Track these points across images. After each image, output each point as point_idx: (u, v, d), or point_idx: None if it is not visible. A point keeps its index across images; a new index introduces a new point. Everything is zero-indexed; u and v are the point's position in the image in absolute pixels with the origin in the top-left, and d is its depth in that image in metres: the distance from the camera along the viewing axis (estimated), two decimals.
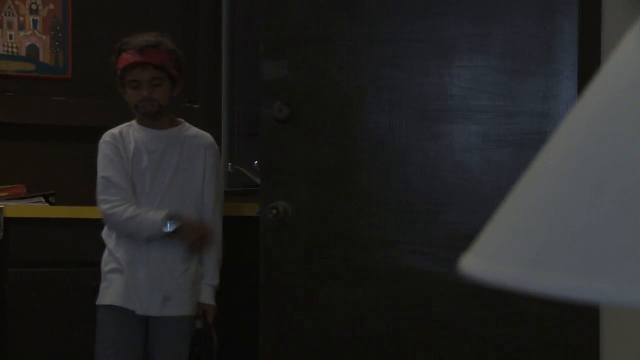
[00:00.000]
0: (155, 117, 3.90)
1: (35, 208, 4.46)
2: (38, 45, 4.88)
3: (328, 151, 3.35)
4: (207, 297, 3.82)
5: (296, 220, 3.34)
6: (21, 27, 4.91)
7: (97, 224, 4.45)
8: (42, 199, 4.68)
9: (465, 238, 3.12)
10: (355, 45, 3.36)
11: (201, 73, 5.20)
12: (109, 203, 3.79)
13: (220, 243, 3.86)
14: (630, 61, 0.70)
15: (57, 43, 4.94)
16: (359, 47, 3.36)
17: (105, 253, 3.87)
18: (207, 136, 4.04)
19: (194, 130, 4.04)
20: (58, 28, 4.92)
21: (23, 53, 4.88)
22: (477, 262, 0.74)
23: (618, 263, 0.64)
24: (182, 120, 4.08)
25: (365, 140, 3.33)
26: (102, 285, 3.83)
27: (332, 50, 3.39)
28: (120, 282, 3.72)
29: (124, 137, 3.85)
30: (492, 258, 0.73)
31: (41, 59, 4.96)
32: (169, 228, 3.66)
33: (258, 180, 4.57)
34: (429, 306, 3.30)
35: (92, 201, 4.33)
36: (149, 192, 3.78)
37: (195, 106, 5.17)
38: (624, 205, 0.65)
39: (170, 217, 3.68)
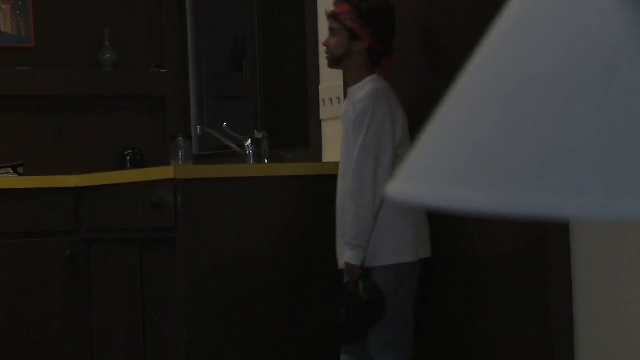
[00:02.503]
0: (337, 68, 3.68)
1: (4, 179, 4.45)
2: None
3: None
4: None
5: None
6: None
7: (66, 193, 4.43)
8: (10, 170, 4.66)
9: None
10: None
11: (167, 37, 5.18)
12: None
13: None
14: None
15: (17, 12, 4.90)
16: None
17: None
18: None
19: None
20: None
21: None
22: (402, 186, 0.74)
23: (533, 175, 0.64)
24: (370, 77, 3.63)
25: None
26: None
27: None
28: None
29: None
30: (415, 180, 0.73)
31: (2, 28, 4.92)
32: None
33: (228, 143, 4.56)
34: None
35: (61, 170, 4.30)
36: None
37: (162, 70, 5.15)
38: (534, 118, 0.65)
39: None
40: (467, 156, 0.67)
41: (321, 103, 4.31)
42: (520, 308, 3.44)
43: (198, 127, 4.88)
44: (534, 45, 0.65)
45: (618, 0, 0.63)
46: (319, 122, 4.35)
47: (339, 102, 4.20)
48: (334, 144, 4.25)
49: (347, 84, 3.76)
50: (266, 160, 4.37)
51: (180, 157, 4.45)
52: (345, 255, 3.56)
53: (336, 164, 4.11)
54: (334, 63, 3.69)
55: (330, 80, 4.26)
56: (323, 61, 4.34)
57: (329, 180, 4.01)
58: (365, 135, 3.54)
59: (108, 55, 5.13)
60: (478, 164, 0.66)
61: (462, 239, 3.64)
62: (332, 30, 3.66)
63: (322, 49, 4.28)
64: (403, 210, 3.55)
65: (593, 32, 0.64)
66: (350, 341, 3.61)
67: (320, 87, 4.32)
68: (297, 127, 4.54)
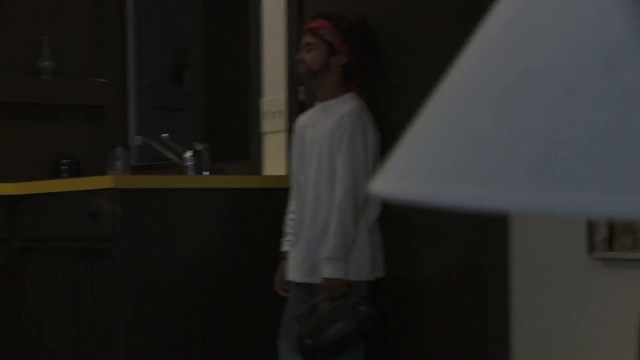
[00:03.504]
0: (312, 83, 3.63)
1: None
2: None
3: None
4: None
5: None
6: None
7: (1, 202, 4.35)
8: None
9: None
10: None
11: (107, 46, 5.13)
12: None
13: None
14: None
15: None
16: None
17: None
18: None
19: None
20: None
21: None
22: (388, 181, 0.73)
23: (531, 170, 0.63)
24: (349, 94, 3.64)
25: None
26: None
27: None
28: None
29: None
30: (403, 176, 0.72)
31: None
32: None
33: (167, 154, 4.52)
34: None
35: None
36: None
37: (101, 80, 5.10)
38: (532, 114, 0.64)
39: None
40: (461, 151, 0.66)
41: (263, 116, 4.29)
42: (460, 325, 3.45)
43: (137, 137, 4.83)
44: (532, 38, 0.65)
45: None
46: (260, 135, 4.33)
47: (281, 116, 4.19)
48: (275, 157, 4.23)
49: (318, 98, 3.74)
50: (206, 173, 4.34)
51: (119, 167, 4.41)
52: (326, 270, 3.51)
53: (277, 177, 4.10)
54: (310, 77, 3.68)
55: (272, 93, 4.25)
56: (266, 74, 4.33)
57: (269, 193, 3.99)
58: (354, 150, 3.54)
59: (47, 63, 5.07)
60: (474, 159, 0.65)
61: (407, 260, 3.64)
62: (309, 45, 3.67)
63: (267, 62, 4.27)
64: (364, 228, 3.56)
65: (592, 27, 0.64)
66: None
67: (263, 100, 4.30)
68: (238, 140, 4.52)
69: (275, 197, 3.93)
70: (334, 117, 3.60)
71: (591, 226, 3.02)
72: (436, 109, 0.73)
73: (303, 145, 3.72)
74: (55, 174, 4.95)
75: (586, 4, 0.64)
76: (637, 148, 0.62)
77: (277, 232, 3.80)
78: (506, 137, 0.64)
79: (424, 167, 0.70)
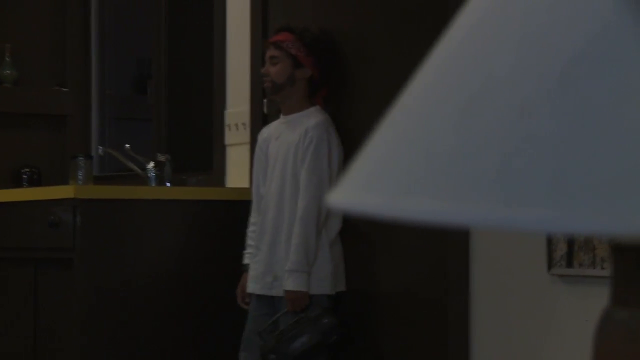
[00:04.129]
0: (276, 97, 3.61)
1: None
2: None
3: None
4: None
5: None
6: None
7: None
8: None
9: None
10: None
11: (70, 55, 5.11)
12: None
13: None
14: None
15: None
16: None
17: None
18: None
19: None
20: None
21: None
22: (346, 194, 0.73)
23: (487, 185, 0.64)
24: (314, 107, 3.66)
25: None
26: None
27: None
28: None
29: None
30: (359, 189, 0.72)
31: None
32: None
33: (129, 164, 4.50)
34: None
35: None
36: None
37: (64, 89, 5.07)
38: (490, 127, 0.64)
39: None
40: (419, 165, 0.67)
41: (226, 128, 4.29)
42: (421, 336, 3.46)
43: (99, 147, 4.81)
44: (492, 51, 0.65)
45: (578, 10, 0.63)
46: (223, 147, 4.32)
47: (245, 128, 4.18)
48: (238, 169, 4.23)
49: (282, 111, 3.73)
50: (168, 184, 4.33)
51: (80, 177, 4.38)
52: (289, 283, 3.50)
53: (239, 189, 4.09)
54: (274, 90, 3.67)
55: (236, 106, 4.25)
56: (230, 86, 4.33)
57: (231, 205, 3.99)
58: (318, 163, 3.54)
59: (8, 72, 5.03)
60: (432, 173, 0.66)
61: (368, 273, 3.65)
62: (272, 58, 3.66)
63: (231, 74, 4.26)
64: (325, 242, 3.56)
65: (551, 39, 0.64)
66: None
67: (226, 112, 4.30)
68: (201, 152, 4.51)
69: (238, 209, 3.92)
70: (298, 130, 3.61)
71: (551, 243, 3.04)
72: (395, 121, 0.73)
73: (266, 157, 3.72)
74: (16, 183, 4.92)
75: (544, 17, 0.65)
76: (591, 164, 0.62)
77: (239, 244, 3.80)
78: (464, 151, 0.65)
79: (382, 181, 0.70)
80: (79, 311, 3.74)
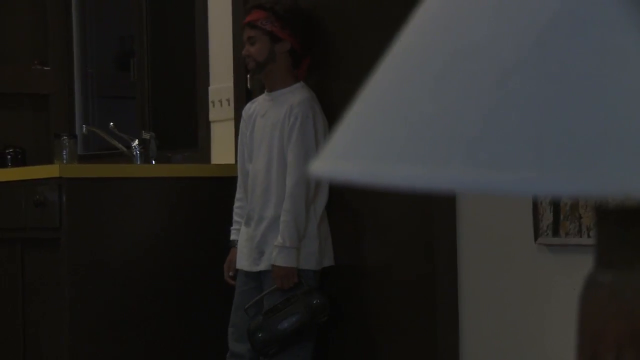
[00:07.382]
0: (260, 76, 3.60)
1: None
2: None
3: None
4: None
5: None
6: None
7: None
8: None
9: None
10: None
11: (51, 33, 5.07)
12: None
13: None
14: None
15: None
16: None
17: None
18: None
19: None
20: None
21: None
22: (327, 163, 0.72)
23: (467, 150, 0.63)
24: (299, 84, 3.65)
25: None
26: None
27: None
28: None
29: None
30: (339, 157, 0.71)
31: None
32: None
33: (114, 142, 4.48)
34: None
35: None
36: None
37: (46, 68, 5.04)
38: (469, 92, 0.64)
39: None
40: (399, 130, 0.66)
41: (210, 105, 4.27)
42: (409, 309, 3.47)
43: (83, 126, 4.79)
44: (469, 15, 0.64)
45: None
46: (208, 124, 4.31)
47: (229, 104, 4.17)
48: (223, 145, 4.21)
49: (267, 87, 3.72)
50: (153, 161, 4.32)
51: (65, 156, 4.36)
52: (278, 258, 3.50)
53: (225, 165, 4.08)
54: (259, 69, 3.65)
55: (220, 82, 4.23)
56: (213, 62, 4.31)
57: (217, 182, 3.98)
58: (305, 140, 3.53)
59: None
60: (411, 138, 0.65)
61: (355, 248, 3.65)
62: (250, 39, 3.64)
63: (214, 50, 4.24)
64: (312, 218, 3.55)
65: (528, 2, 0.64)
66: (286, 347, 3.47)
67: (210, 88, 4.28)
68: (186, 129, 4.49)
69: (224, 185, 3.92)
70: (284, 107, 3.60)
71: (537, 212, 3.04)
72: (374, 89, 0.72)
73: (252, 134, 3.71)
74: (0, 163, 4.90)
75: None
76: (572, 126, 0.62)
77: (225, 220, 3.79)
78: (443, 116, 0.64)
79: (362, 147, 0.69)
80: (67, 289, 3.73)
